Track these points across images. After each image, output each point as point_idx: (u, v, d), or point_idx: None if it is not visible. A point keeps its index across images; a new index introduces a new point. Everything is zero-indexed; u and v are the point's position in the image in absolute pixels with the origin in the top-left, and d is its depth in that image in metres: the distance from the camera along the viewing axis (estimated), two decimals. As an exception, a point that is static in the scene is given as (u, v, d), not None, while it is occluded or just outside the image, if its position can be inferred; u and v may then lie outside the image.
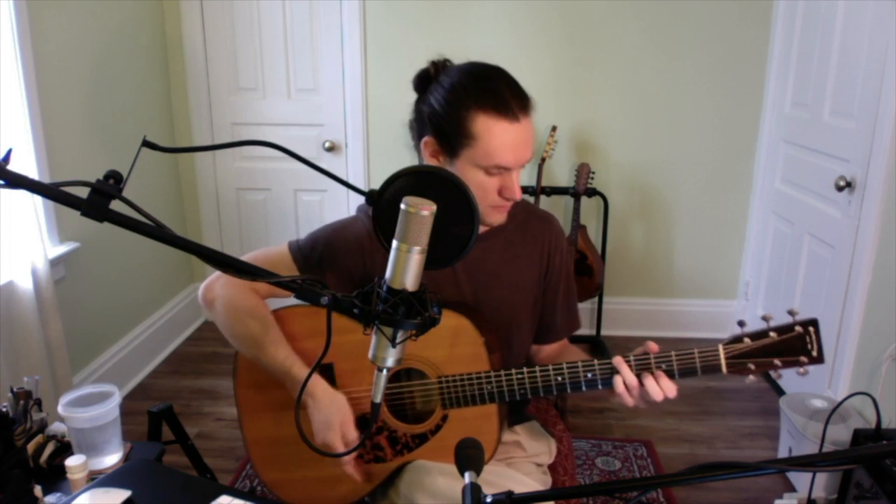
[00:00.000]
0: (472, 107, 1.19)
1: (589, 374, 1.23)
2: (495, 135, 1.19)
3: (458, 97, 1.20)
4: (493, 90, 1.20)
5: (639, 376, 1.18)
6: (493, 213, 1.27)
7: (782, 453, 2.39)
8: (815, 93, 2.69)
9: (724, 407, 2.86)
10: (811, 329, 1.16)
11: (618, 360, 1.20)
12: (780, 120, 3.03)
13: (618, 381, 1.19)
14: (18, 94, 2.25)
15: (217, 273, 1.34)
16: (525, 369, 1.26)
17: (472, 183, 1.21)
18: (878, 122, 2.21)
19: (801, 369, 1.18)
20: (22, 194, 2.15)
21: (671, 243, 3.44)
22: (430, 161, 1.27)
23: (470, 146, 1.20)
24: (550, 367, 1.25)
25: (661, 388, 1.17)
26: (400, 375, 1.33)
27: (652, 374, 1.18)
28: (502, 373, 1.26)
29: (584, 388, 1.23)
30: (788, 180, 2.96)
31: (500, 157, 1.19)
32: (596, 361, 1.23)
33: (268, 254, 1.37)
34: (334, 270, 1.35)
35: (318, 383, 1.28)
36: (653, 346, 1.21)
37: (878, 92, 2.21)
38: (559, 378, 1.24)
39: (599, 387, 1.23)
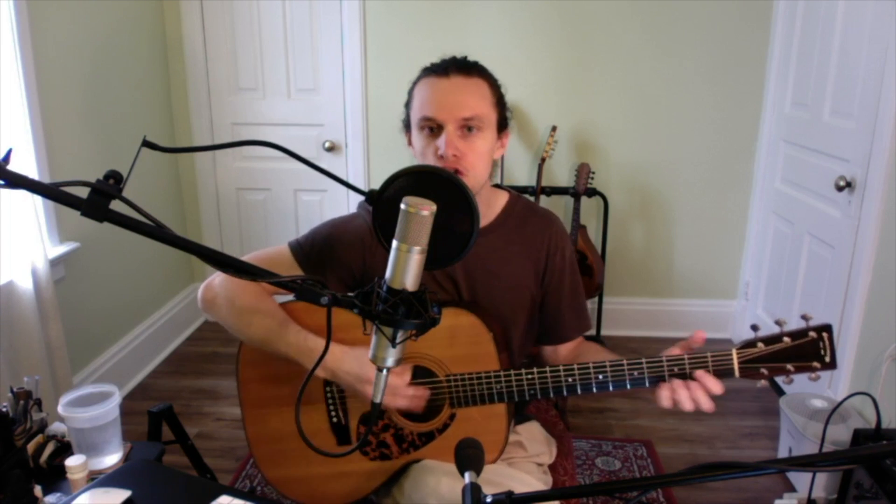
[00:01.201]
0: (419, 79, 1.32)
1: (600, 377, 1.21)
2: (422, 89, 1.30)
3: (414, 80, 1.33)
4: (437, 63, 1.30)
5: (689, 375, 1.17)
6: None
7: (782, 453, 2.39)
8: (815, 93, 2.69)
9: (724, 407, 2.86)
10: (825, 335, 1.15)
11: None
12: (780, 120, 3.03)
13: (663, 388, 1.17)
14: (18, 94, 2.25)
15: (214, 274, 1.34)
16: (535, 369, 1.24)
17: (416, 147, 1.30)
18: (878, 122, 2.20)
19: (814, 375, 1.16)
20: (22, 194, 2.15)
21: (671, 243, 3.44)
22: (410, 147, 1.34)
23: (412, 109, 1.31)
24: (561, 368, 1.23)
25: (707, 389, 1.14)
26: None
27: (690, 377, 1.16)
28: (511, 373, 1.25)
29: (594, 390, 1.22)
30: (788, 180, 2.96)
31: (425, 107, 1.27)
32: (607, 363, 1.21)
33: (268, 254, 1.37)
34: (334, 266, 1.36)
35: (330, 354, 1.25)
36: (680, 350, 1.19)
37: (878, 92, 2.21)
38: (569, 379, 1.23)
39: (610, 388, 1.21)
